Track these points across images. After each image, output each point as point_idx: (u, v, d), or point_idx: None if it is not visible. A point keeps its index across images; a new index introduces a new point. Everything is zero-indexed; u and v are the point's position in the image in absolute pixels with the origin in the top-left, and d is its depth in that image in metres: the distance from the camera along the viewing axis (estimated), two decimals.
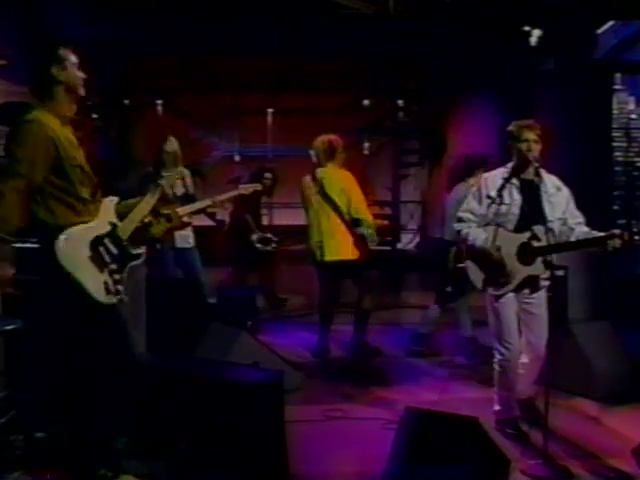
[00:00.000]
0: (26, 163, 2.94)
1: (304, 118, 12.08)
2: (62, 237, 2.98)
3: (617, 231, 3.60)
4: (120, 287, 3.14)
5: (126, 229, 3.21)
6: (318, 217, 5.65)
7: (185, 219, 5.38)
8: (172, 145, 5.63)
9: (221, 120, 12.85)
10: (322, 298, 5.85)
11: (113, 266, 3.12)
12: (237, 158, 12.69)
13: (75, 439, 3.20)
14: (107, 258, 3.10)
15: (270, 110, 12.67)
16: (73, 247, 3.01)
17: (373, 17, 7.93)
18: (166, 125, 11.82)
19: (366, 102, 12.66)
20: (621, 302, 6.08)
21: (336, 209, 5.57)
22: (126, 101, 11.88)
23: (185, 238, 5.70)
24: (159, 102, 12.36)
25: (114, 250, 3.13)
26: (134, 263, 3.24)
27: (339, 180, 5.61)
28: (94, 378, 3.17)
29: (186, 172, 5.84)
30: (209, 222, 6.67)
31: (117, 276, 3.13)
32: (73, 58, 3.15)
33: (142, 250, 3.28)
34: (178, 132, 6.36)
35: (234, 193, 5.37)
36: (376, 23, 8.19)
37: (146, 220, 3.46)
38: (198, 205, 5.37)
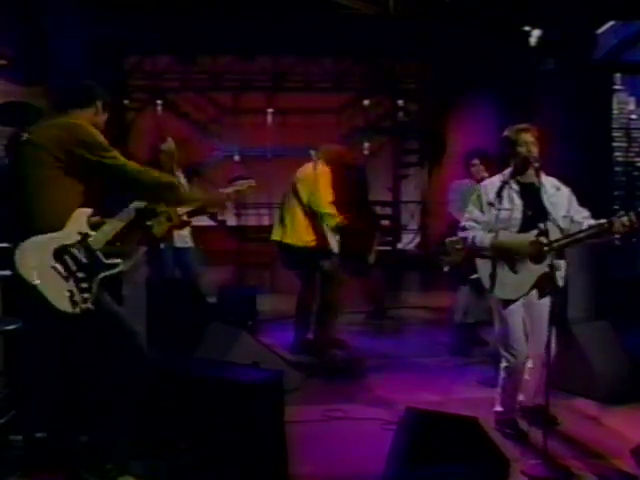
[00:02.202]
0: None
1: (304, 118, 12.10)
2: (20, 247, 2.99)
3: (622, 212, 3.55)
4: (87, 295, 3.07)
5: (99, 239, 3.17)
6: (287, 209, 5.84)
7: (184, 218, 5.46)
8: (169, 145, 5.66)
9: (221, 120, 12.86)
10: (299, 292, 5.95)
11: (80, 274, 3.06)
12: (237, 158, 12.69)
13: (75, 439, 3.21)
14: (73, 267, 3.05)
15: (270, 110, 12.67)
16: (32, 255, 3.00)
17: (373, 17, 7.93)
18: (166, 125, 11.84)
19: (366, 102, 12.66)
20: (621, 302, 6.07)
21: (299, 201, 5.73)
22: (126, 101, 11.88)
23: (183, 237, 5.73)
24: (159, 102, 12.37)
25: (83, 259, 3.08)
26: (108, 273, 3.18)
27: (308, 173, 5.76)
28: (92, 377, 3.18)
29: (180, 176, 5.88)
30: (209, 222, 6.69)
31: (84, 284, 3.07)
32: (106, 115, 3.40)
33: (119, 260, 3.24)
34: (178, 132, 6.38)
35: (229, 190, 5.43)
36: (376, 23, 8.20)
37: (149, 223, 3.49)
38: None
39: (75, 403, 3.31)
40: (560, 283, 3.82)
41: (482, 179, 5.68)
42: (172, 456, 3.37)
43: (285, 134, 12.14)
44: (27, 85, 7.67)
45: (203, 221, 6.11)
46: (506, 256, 3.84)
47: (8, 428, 3.53)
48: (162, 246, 5.43)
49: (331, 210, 5.64)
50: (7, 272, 3.20)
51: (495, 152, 5.81)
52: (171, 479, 3.36)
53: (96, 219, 3.26)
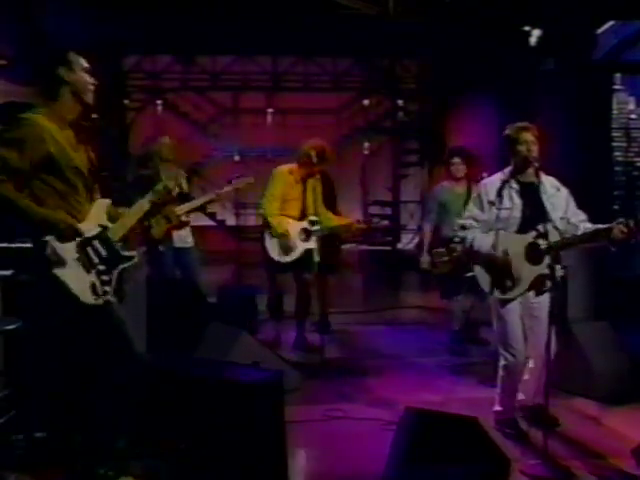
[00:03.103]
0: (8, 161, 2.91)
1: (303, 118, 12.11)
2: (49, 238, 2.96)
3: (622, 219, 3.56)
4: (108, 288, 3.11)
5: (117, 231, 3.19)
6: None
7: (183, 218, 5.47)
8: (164, 140, 5.68)
9: (220, 120, 12.88)
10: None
11: (101, 267, 3.09)
12: (237, 158, 12.71)
13: (75, 439, 3.20)
14: (95, 259, 3.07)
15: (269, 110, 12.68)
16: (59, 247, 2.98)
17: (373, 17, 7.93)
18: (166, 125, 11.85)
19: (366, 102, 12.68)
20: (621, 302, 6.07)
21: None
22: (126, 101, 11.89)
23: (183, 237, 5.73)
24: (159, 102, 12.38)
25: (103, 251, 3.10)
26: (126, 265, 3.20)
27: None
28: (93, 377, 3.18)
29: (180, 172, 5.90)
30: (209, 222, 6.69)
31: (105, 277, 3.10)
32: (83, 63, 3.15)
33: (135, 253, 3.26)
34: (178, 132, 6.39)
35: (229, 188, 5.52)
36: (376, 23, 8.20)
37: (145, 223, 3.47)
38: (195, 203, 5.48)
39: (75, 403, 3.31)
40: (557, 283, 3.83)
41: (460, 179, 5.74)
42: (172, 456, 3.37)
43: (285, 134, 12.15)
44: (27, 85, 7.67)
45: (203, 221, 6.11)
46: (498, 268, 3.86)
47: (9, 428, 3.53)
48: (161, 248, 5.45)
49: (265, 211, 5.56)
50: (7, 272, 3.20)
51: (477, 152, 5.87)
52: (171, 479, 3.36)
53: (113, 210, 3.26)
